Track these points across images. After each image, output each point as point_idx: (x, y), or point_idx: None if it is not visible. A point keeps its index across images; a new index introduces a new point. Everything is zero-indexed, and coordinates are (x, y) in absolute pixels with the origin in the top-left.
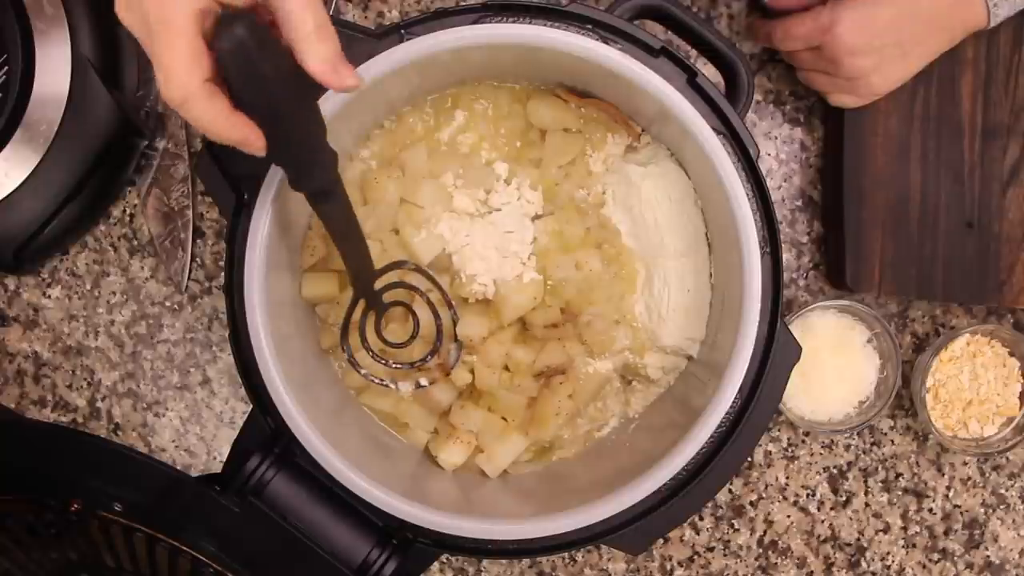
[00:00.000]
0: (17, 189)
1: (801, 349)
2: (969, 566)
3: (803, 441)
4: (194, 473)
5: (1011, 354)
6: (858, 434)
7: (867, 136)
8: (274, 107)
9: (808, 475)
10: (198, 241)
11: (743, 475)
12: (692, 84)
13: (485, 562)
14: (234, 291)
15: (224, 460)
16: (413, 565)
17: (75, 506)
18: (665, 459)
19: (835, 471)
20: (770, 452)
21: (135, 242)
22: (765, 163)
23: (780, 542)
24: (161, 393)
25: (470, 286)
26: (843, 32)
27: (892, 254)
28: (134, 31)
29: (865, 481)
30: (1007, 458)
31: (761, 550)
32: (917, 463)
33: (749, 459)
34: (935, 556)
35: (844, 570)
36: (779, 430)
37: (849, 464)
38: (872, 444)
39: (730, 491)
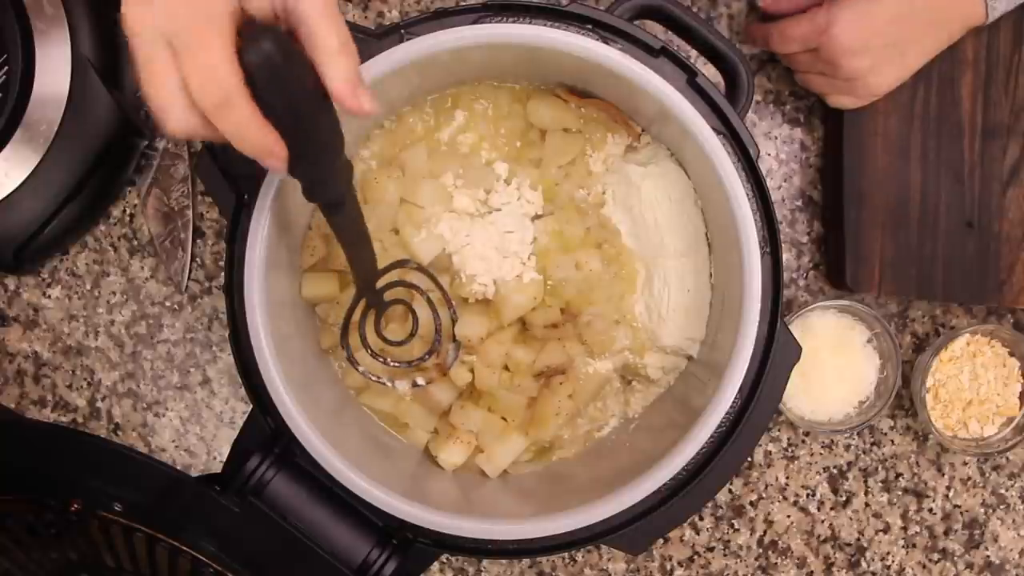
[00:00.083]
0: (17, 189)
1: (801, 349)
2: (969, 566)
3: (803, 441)
4: (194, 473)
5: (1011, 354)
6: (858, 434)
7: (867, 136)
8: (297, 120)
9: (808, 475)
10: (198, 241)
11: (743, 475)
12: (692, 84)
13: (485, 562)
14: (234, 291)
15: (224, 460)
16: (413, 565)
17: (75, 506)
18: (665, 459)
19: (835, 471)
20: (770, 452)
21: (135, 242)
22: (765, 163)
23: (780, 542)
24: (161, 393)
25: (470, 286)
26: (839, 32)
27: (892, 254)
28: (149, 37)
29: (865, 481)
30: (1007, 458)
31: (761, 550)
32: (917, 463)
33: (749, 459)
34: (935, 556)
35: (844, 570)
36: (779, 430)
37: (849, 464)
38: (872, 444)
39: (730, 491)
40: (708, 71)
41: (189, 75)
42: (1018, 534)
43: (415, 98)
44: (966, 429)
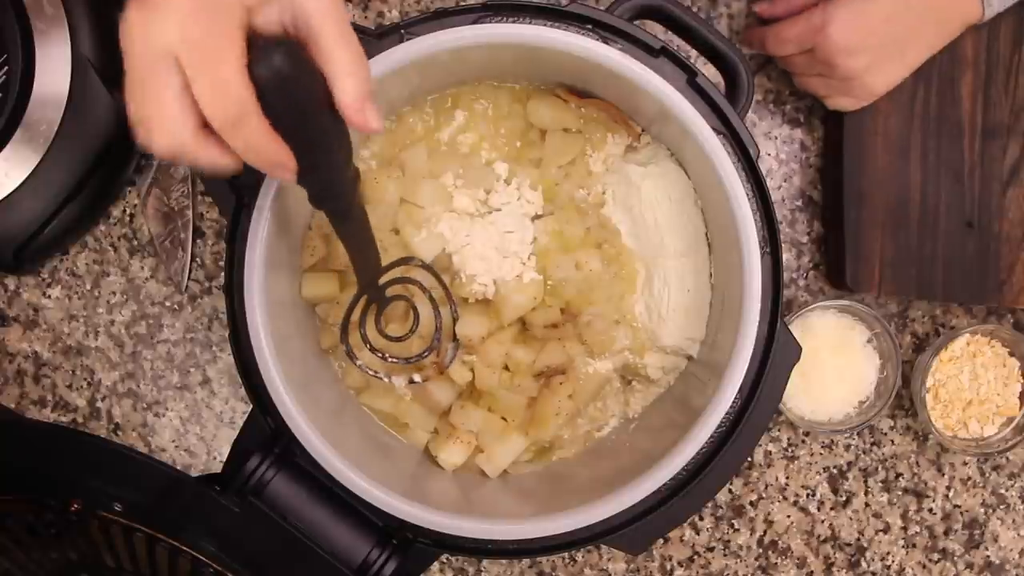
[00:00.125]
0: (17, 189)
1: (801, 349)
2: (969, 566)
3: (803, 441)
4: (194, 473)
5: (1011, 354)
6: (858, 434)
7: (867, 136)
8: (307, 132)
9: (808, 475)
10: (198, 241)
11: (743, 475)
12: (692, 84)
13: (485, 562)
14: (234, 291)
15: (224, 460)
16: (413, 565)
17: (75, 506)
18: (665, 459)
19: (835, 471)
20: (770, 452)
21: (135, 242)
22: (765, 163)
23: (780, 542)
24: (161, 393)
25: (470, 286)
26: (835, 32)
27: (892, 254)
28: (154, 52)
29: (865, 481)
30: (1007, 458)
31: (761, 550)
32: (917, 463)
33: (749, 459)
34: (935, 556)
35: (844, 570)
36: (779, 430)
37: (849, 464)
38: (872, 444)
39: (730, 491)
40: (708, 71)
41: (202, 91)
42: (1018, 534)
43: (415, 98)
44: (966, 429)
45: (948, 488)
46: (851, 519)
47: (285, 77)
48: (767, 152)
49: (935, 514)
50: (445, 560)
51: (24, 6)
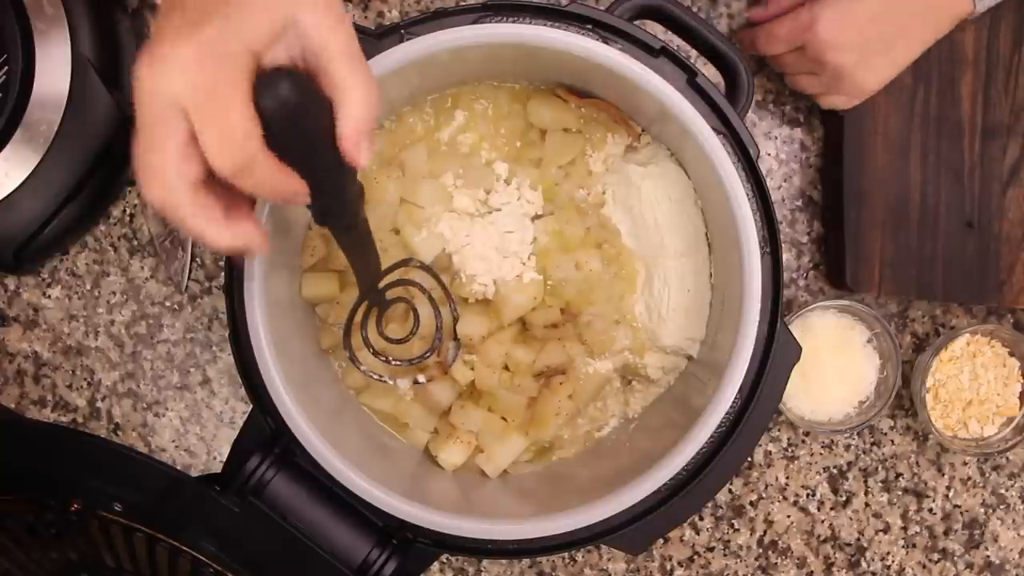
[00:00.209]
0: (17, 189)
1: (801, 349)
2: (969, 566)
3: (803, 441)
4: (194, 473)
5: (1011, 354)
6: (858, 434)
7: (867, 136)
8: (315, 160)
9: (808, 475)
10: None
11: (743, 475)
12: (692, 84)
13: (485, 562)
14: (234, 291)
15: (224, 460)
16: (413, 565)
17: (75, 506)
18: (665, 459)
19: (835, 471)
20: (770, 452)
21: (135, 242)
22: (765, 163)
23: (780, 542)
24: (161, 393)
25: (470, 286)
26: (823, 29)
27: (892, 254)
28: (162, 101)
29: (865, 481)
30: (1007, 458)
31: (761, 550)
32: (917, 463)
33: (749, 459)
34: (935, 556)
35: (844, 570)
36: (779, 430)
37: (849, 464)
38: (872, 444)
39: (730, 491)
40: (708, 71)
41: (209, 141)
42: (1018, 534)
43: (415, 98)
44: (966, 429)
45: (948, 488)
46: (851, 519)
47: (290, 107)
48: (767, 152)
49: (935, 514)
50: (445, 560)
51: (24, 6)
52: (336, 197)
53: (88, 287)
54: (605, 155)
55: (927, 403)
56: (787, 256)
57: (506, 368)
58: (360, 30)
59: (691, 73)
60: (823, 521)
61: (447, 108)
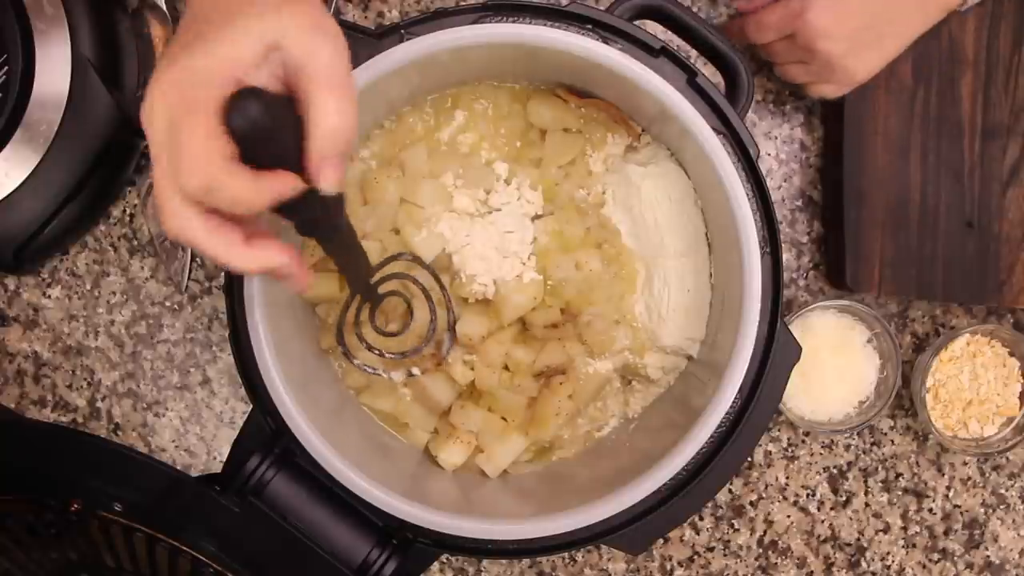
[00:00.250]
0: (17, 189)
1: (801, 349)
2: (969, 566)
3: (803, 441)
4: (194, 473)
5: (1011, 354)
6: (858, 434)
7: (867, 136)
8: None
9: (808, 475)
10: None
11: (743, 475)
12: (692, 84)
13: (485, 562)
14: (234, 291)
15: (224, 460)
16: (413, 565)
17: (75, 506)
18: (665, 459)
19: (835, 471)
20: (770, 452)
21: (135, 242)
22: (765, 163)
23: (780, 542)
24: (161, 393)
25: (470, 286)
26: (813, 17)
27: (892, 254)
28: (157, 131)
29: (865, 481)
30: (1007, 458)
31: (761, 550)
32: (917, 463)
33: (749, 459)
34: (935, 556)
35: (844, 570)
36: (779, 430)
37: (849, 464)
38: (872, 444)
39: (730, 491)
40: (708, 71)
41: (175, 162)
42: (1018, 534)
43: (415, 98)
44: (966, 429)
45: (948, 488)
46: (851, 519)
47: (259, 127)
48: (767, 152)
49: (935, 514)
50: (445, 560)
51: (24, 6)
52: (312, 212)
53: (88, 287)
54: (605, 155)
55: (927, 403)
56: (787, 256)
57: (506, 368)
58: (360, 30)
59: (691, 73)
60: (823, 521)
61: (447, 108)
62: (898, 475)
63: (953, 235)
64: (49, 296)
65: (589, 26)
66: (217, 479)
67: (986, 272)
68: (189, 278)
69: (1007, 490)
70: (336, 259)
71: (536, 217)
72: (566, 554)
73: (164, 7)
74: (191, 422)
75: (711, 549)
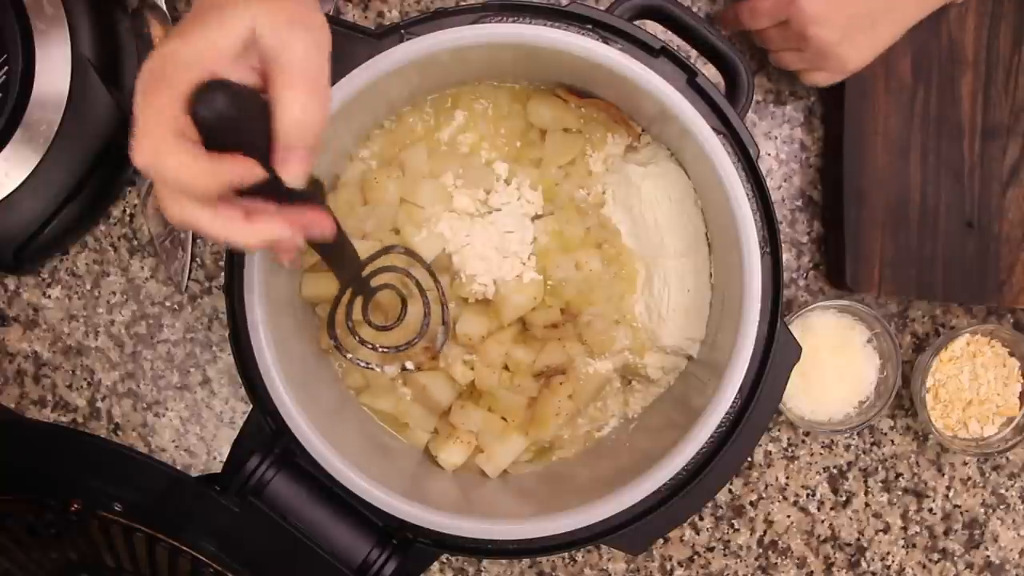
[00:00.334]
0: (17, 189)
1: (801, 349)
2: (969, 566)
3: (803, 441)
4: (194, 473)
5: (1011, 354)
6: (858, 434)
7: (867, 136)
8: (260, 161)
9: (808, 475)
10: (198, 241)
11: (743, 475)
12: (692, 84)
13: (485, 562)
14: (234, 291)
15: (224, 460)
16: (413, 565)
17: (75, 506)
18: (665, 459)
19: (835, 471)
20: (770, 452)
21: (135, 242)
22: (765, 163)
23: (780, 542)
24: (161, 393)
25: (470, 286)
26: (806, 4)
27: (892, 254)
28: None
29: (865, 481)
30: (1007, 458)
31: (761, 550)
32: (917, 463)
33: (749, 459)
34: (935, 556)
35: (844, 570)
36: (779, 430)
37: (849, 464)
38: (872, 444)
39: (730, 491)
40: (708, 71)
41: (134, 140)
42: (1018, 534)
43: (415, 98)
44: (966, 429)
45: (948, 488)
46: (851, 519)
47: (224, 119)
48: (767, 152)
49: (935, 514)
50: (445, 560)
51: (24, 6)
52: (287, 203)
53: (88, 287)
54: (605, 155)
55: (927, 403)
56: (787, 256)
57: (506, 368)
58: (360, 30)
59: (691, 73)
60: (823, 521)
61: (447, 108)
62: (898, 475)
63: (953, 235)
64: (49, 296)
65: (589, 26)
66: (217, 479)
67: (986, 272)
68: (189, 278)
69: (1007, 490)
70: (322, 253)
71: (536, 217)
72: (566, 554)
73: (164, 7)
74: (191, 422)
75: (711, 549)
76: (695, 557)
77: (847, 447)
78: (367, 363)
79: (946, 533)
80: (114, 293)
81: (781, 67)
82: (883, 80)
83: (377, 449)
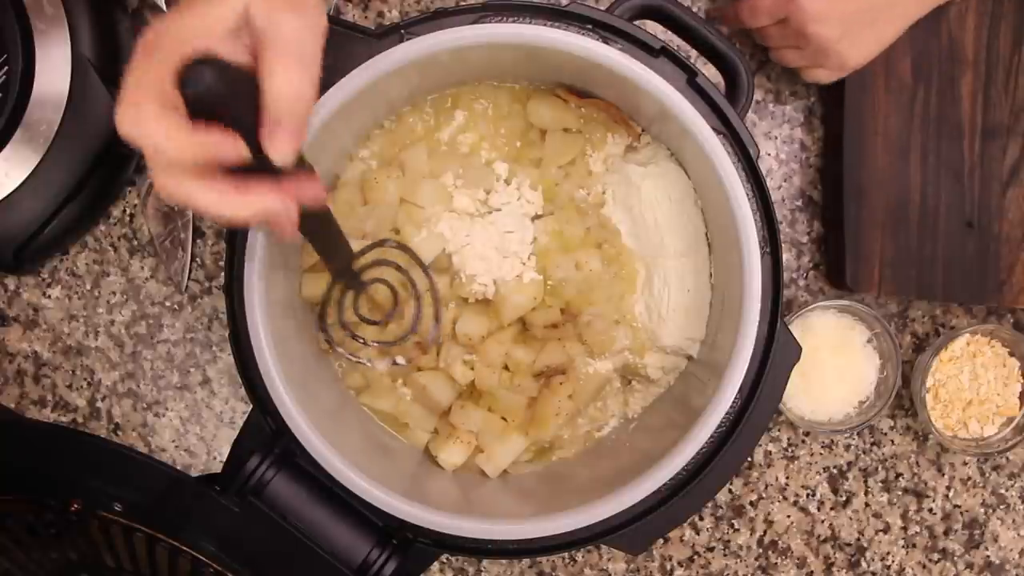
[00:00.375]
0: (17, 189)
1: (801, 349)
2: (969, 566)
3: (803, 441)
4: (194, 473)
5: (1011, 354)
6: (858, 434)
7: (867, 136)
8: (246, 138)
9: (808, 475)
10: (198, 241)
11: (743, 475)
12: (692, 84)
13: (485, 562)
14: (234, 291)
15: (224, 460)
16: (413, 565)
17: (75, 506)
18: (665, 459)
19: (835, 471)
20: (770, 452)
21: (135, 242)
22: (765, 163)
23: (780, 542)
24: (161, 393)
25: (470, 286)
26: (806, 1)
27: (892, 254)
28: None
29: (865, 481)
30: (1007, 458)
31: (761, 550)
32: (917, 463)
33: (749, 459)
34: (935, 556)
35: (844, 570)
36: (779, 430)
37: (849, 464)
38: (872, 444)
39: (730, 491)
40: (708, 71)
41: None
42: (1018, 534)
43: (415, 98)
44: (966, 429)
45: (948, 488)
46: (851, 519)
47: (212, 95)
48: (767, 152)
49: (935, 514)
50: (445, 560)
51: (24, 6)
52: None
53: (88, 287)
54: (605, 155)
55: (927, 403)
56: (787, 256)
57: (506, 368)
58: (360, 30)
59: (691, 73)
60: (823, 521)
61: (447, 108)
62: (898, 475)
63: (953, 235)
64: (49, 296)
65: (589, 26)
66: (217, 479)
67: (986, 272)
68: (189, 278)
69: (1007, 490)
70: (314, 243)
71: (536, 217)
72: (566, 554)
73: (164, 7)
74: (191, 422)
75: (711, 549)
76: (695, 557)
77: (847, 447)
78: (358, 357)
79: (946, 533)
80: (114, 293)
81: (782, 64)
82: (883, 80)
83: (377, 449)
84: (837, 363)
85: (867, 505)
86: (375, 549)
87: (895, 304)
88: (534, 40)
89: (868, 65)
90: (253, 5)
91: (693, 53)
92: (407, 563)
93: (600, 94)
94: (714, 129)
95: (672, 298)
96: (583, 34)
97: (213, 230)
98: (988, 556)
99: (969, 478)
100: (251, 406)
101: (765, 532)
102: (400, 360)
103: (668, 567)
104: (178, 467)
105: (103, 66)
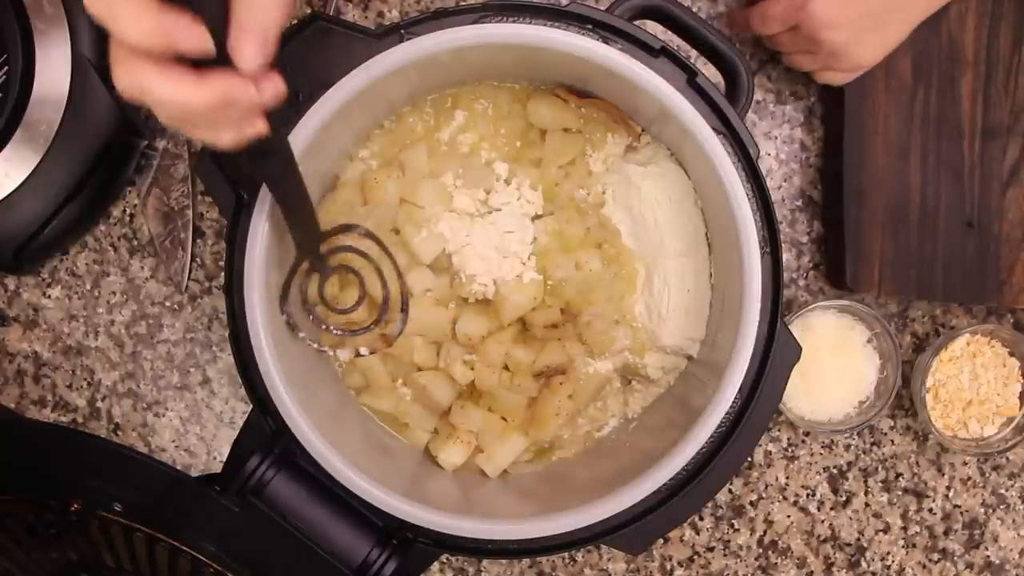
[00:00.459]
0: (17, 189)
1: (801, 349)
2: (969, 566)
3: (803, 441)
4: (194, 473)
5: (1011, 354)
6: (858, 434)
7: (867, 136)
8: (213, 35)
9: (808, 475)
10: (198, 241)
11: (743, 475)
12: (692, 84)
13: (485, 562)
14: (234, 291)
15: (224, 460)
16: (413, 565)
17: (75, 506)
18: (665, 459)
19: (835, 471)
20: (770, 452)
21: (135, 242)
22: (765, 163)
23: (780, 542)
24: (161, 393)
25: (470, 286)
26: (816, 7)
27: (892, 254)
28: None
29: (865, 481)
30: (1007, 458)
31: (761, 550)
32: (917, 463)
33: (749, 459)
34: (935, 556)
35: (844, 570)
36: (779, 430)
37: (849, 464)
38: (872, 444)
39: (730, 491)
40: (708, 71)
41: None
42: (1018, 534)
43: (415, 98)
44: (966, 429)
45: (948, 488)
46: (851, 519)
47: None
48: (767, 152)
49: (935, 514)
50: (445, 560)
51: (24, 6)
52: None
53: (88, 287)
54: (605, 155)
55: (927, 403)
56: (787, 256)
57: (506, 368)
58: (360, 30)
59: (691, 73)
60: (823, 521)
61: (447, 108)
62: (898, 475)
63: (953, 235)
64: (49, 296)
65: (589, 26)
66: (217, 479)
67: (986, 272)
68: (189, 278)
69: (1007, 490)
70: (278, 198)
71: (536, 217)
72: (566, 554)
73: None
74: (191, 422)
75: (711, 549)
76: (695, 557)
77: (847, 447)
78: (319, 344)
79: (946, 533)
80: (114, 293)
81: (794, 68)
82: (883, 80)
83: (377, 449)
84: (837, 363)
85: (867, 505)
86: (375, 549)
87: (895, 304)
88: (534, 40)
89: None
90: None
91: (693, 53)
92: (407, 563)
93: (600, 94)
94: (714, 129)
95: (672, 298)
96: (583, 34)
97: (213, 230)
98: (988, 556)
99: (969, 478)
100: (251, 406)
101: (765, 532)
102: (363, 351)
103: (668, 567)
104: (178, 467)
105: (103, 66)
